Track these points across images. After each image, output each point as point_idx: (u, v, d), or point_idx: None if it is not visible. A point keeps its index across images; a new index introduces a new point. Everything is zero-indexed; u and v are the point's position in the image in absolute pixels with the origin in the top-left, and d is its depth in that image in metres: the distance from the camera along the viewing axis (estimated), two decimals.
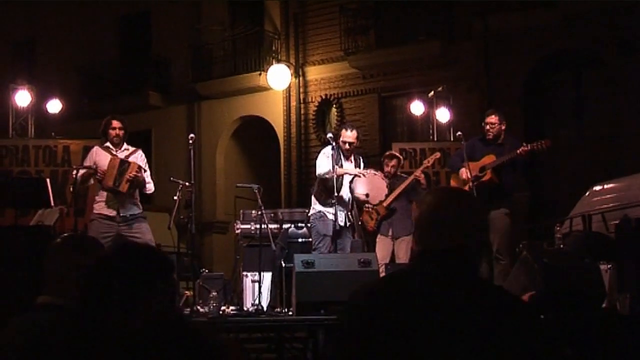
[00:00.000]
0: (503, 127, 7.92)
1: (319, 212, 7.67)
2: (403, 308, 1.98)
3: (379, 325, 1.98)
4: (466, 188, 7.87)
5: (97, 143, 7.85)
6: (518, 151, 7.56)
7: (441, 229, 2.11)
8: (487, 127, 7.95)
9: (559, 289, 5.17)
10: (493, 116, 7.98)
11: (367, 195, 7.79)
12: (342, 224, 7.53)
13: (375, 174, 8.07)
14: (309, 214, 7.94)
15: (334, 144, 7.63)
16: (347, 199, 7.69)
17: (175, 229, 8.27)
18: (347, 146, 7.73)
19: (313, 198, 7.85)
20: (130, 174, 7.28)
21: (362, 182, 7.79)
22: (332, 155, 7.56)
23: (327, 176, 7.55)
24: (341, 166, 7.65)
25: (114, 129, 7.51)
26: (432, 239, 2.12)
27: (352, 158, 7.83)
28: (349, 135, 7.80)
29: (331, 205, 7.52)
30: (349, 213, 8.01)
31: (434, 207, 2.17)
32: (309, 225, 8.25)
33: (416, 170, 9.16)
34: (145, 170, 7.51)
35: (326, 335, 5.97)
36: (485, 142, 7.98)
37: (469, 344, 1.90)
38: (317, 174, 7.71)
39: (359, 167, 7.86)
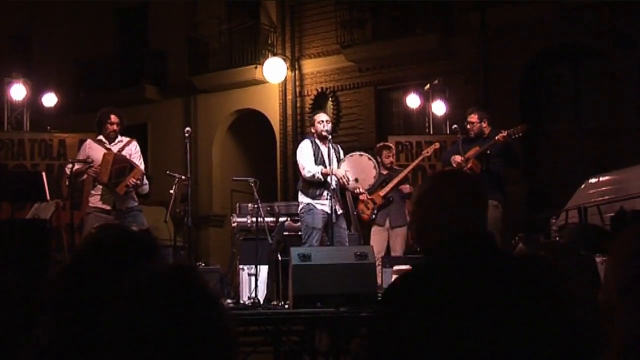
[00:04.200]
0: (484, 125, 8.03)
1: (307, 204, 7.56)
2: (452, 298, 1.86)
3: (428, 318, 1.86)
4: None
5: (92, 137, 7.81)
6: (496, 137, 7.67)
7: (458, 214, 2.01)
8: (468, 125, 8.10)
9: None
10: (473, 115, 8.12)
11: (356, 180, 7.73)
12: (330, 211, 7.41)
13: (361, 155, 8.03)
14: (298, 209, 7.84)
15: (328, 138, 7.61)
16: (335, 187, 7.57)
17: (171, 222, 8.26)
18: (324, 127, 7.63)
19: (300, 192, 7.74)
20: (131, 181, 7.25)
21: (349, 169, 7.73)
22: (312, 149, 7.57)
23: (322, 178, 7.48)
24: (322, 157, 7.58)
25: (112, 123, 7.47)
26: (448, 227, 2.00)
27: (329, 146, 7.62)
28: (324, 116, 7.81)
29: (320, 197, 7.49)
30: (348, 201, 7.99)
31: (443, 193, 2.06)
32: (296, 218, 8.18)
33: (414, 160, 9.22)
34: (143, 174, 7.46)
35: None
36: (470, 140, 8.08)
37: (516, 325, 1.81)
38: (307, 176, 7.55)
39: (338, 156, 7.72)
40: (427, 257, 2.08)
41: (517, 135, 7.74)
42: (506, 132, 7.72)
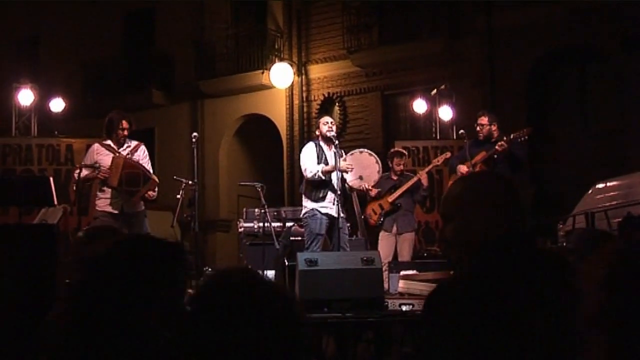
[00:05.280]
0: (494, 128, 8.00)
1: (311, 210, 7.56)
2: (499, 307, 1.79)
3: (475, 326, 1.78)
4: None
5: (99, 141, 7.81)
6: (498, 145, 7.65)
7: (496, 217, 1.94)
8: (478, 128, 8.08)
9: None
10: (483, 117, 8.11)
11: (360, 177, 7.71)
12: (334, 214, 7.42)
13: (362, 152, 8.00)
14: (302, 214, 7.81)
15: (335, 141, 7.60)
16: (338, 189, 7.56)
17: (178, 227, 8.30)
18: (331, 129, 7.64)
19: (303, 197, 7.72)
20: (150, 194, 7.29)
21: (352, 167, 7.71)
22: (315, 151, 7.57)
23: (322, 176, 7.47)
24: (326, 159, 7.58)
25: (123, 129, 7.48)
26: (493, 227, 1.92)
27: (335, 150, 7.63)
28: (328, 119, 7.83)
29: (322, 200, 7.48)
30: (354, 205, 7.95)
31: (484, 191, 1.99)
32: (301, 224, 8.13)
33: (424, 169, 9.21)
34: (149, 172, 7.50)
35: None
36: (478, 143, 8.07)
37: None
38: (309, 176, 7.55)
39: (341, 158, 7.68)
40: (471, 262, 1.98)
41: (522, 139, 7.73)
42: (512, 136, 7.72)
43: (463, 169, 7.92)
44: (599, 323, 1.30)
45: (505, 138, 7.77)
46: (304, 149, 7.80)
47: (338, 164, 7.46)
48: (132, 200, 7.29)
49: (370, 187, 8.11)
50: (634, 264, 1.33)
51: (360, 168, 7.69)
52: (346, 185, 7.68)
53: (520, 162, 7.94)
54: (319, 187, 7.52)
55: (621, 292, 1.31)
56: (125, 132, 7.48)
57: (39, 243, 5.86)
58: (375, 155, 8.06)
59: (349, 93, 15.73)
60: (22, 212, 8.36)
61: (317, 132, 7.83)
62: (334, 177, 7.50)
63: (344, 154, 7.85)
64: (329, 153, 7.61)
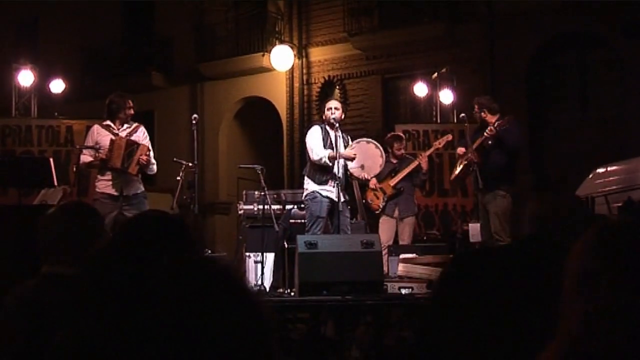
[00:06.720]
0: (483, 115, 8.00)
1: (312, 192, 7.51)
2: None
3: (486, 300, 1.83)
4: (461, 164, 7.95)
5: (99, 123, 7.80)
6: (486, 131, 7.66)
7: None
8: (474, 115, 8.16)
9: None
10: (474, 104, 8.15)
11: (362, 167, 7.68)
12: (335, 197, 7.35)
13: (369, 142, 7.97)
14: (303, 196, 7.77)
15: (336, 124, 7.58)
16: (341, 174, 7.56)
17: (177, 209, 8.28)
18: (333, 114, 7.59)
19: (306, 178, 7.66)
20: (142, 158, 7.28)
21: (356, 154, 7.66)
22: (321, 134, 7.53)
23: (329, 162, 7.43)
24: (331, 143, 7.55)
25: (129, 108, 7.51)
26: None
27: (339, 134, 7.62)
28: (334, 103, 7.79)
29: (325, 183, 7.45)
30: (355, 190, 7.94)
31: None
32: (302, 206, 8.13)
33: (425, 152, 9.20)
34: (149, 150, 7.51)
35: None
36: (478, 130, 8.11)
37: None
38: (315, 159, 7.50)
39: (346, 145, 7.66)
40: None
41: (504, 128, 7.68)
42: (496, 124, 7.72)
43: (460, 150, 7.98)
44: (580, 289, 1.34)
45: (490, 126, 7.77)
46: (309, 132, 7.75)
47: (339, 150, 7.44)
48: (128, 175, 7.29)
49: (370, 178, 8.08)
50: (621, 230, 1.37)
51: (364, 157, 7.65)
52: (348, 172, 7.65)
53: (510, 149, 7.89)
54: (323, 170, 7.48)
55: (606, 257, 1.34)
56: (132, 112, 7.51)
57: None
58: (382, 148, 8.01)
59: (350, 76, 15.70)
60: (22, 193, 8.34)
61: (323, 116, 7.79)
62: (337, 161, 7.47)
63: (350, 140, 7.82)
64: (333, 137, 7.58)
